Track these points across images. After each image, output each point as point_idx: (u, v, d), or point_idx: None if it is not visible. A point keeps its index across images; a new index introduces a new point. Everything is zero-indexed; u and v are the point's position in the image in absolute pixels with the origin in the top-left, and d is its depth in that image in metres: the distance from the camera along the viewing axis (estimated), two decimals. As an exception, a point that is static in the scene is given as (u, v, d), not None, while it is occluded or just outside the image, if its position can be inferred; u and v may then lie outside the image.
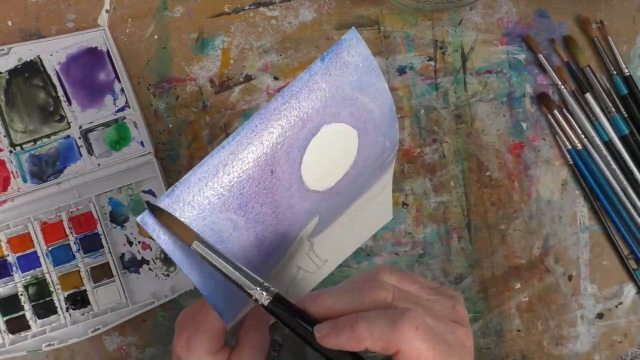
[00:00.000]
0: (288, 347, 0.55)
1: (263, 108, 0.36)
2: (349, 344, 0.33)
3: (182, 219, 0.34)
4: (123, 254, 0.55)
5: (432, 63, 0.55)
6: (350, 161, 0.41)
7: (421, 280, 0.41)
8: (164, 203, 0.34)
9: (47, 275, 0.54)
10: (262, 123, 0.35)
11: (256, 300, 0.35)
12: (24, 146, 0.53)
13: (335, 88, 0.38)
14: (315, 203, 0.41)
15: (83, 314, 0.55)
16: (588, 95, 0.54)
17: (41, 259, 0.54)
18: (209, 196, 0.35)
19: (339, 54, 0.38)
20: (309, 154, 0.38)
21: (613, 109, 0.54)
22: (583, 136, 0.54)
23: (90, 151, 0.54)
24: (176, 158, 0.55)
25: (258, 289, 0.35)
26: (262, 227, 0.39)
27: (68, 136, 0.53)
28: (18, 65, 0.53)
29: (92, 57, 0.53)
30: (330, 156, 0.40)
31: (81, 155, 0.54)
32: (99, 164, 0.54)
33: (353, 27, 0.39)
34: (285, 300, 0.35)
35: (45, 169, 0.54)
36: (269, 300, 0.35)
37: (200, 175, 0.34)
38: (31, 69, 0.53)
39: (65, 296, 0.54)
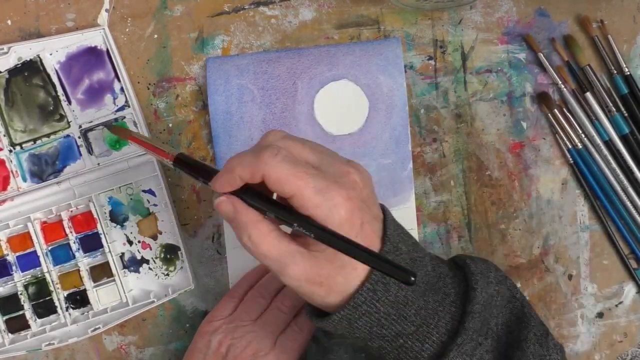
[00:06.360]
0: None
1: (313, 46, 0.54)
2: (227, 178, 0.38)
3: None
4: (123, 254, 0.55)
5: (432, 62, 0.55)
6: (358, 126, 0.54)
7: (318, 147, 0.40)
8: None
9: (46, 275, 0.54)
10: (306, 51, 0.53)
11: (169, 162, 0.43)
12: (23, 145, 0.53)
13: (365, 60, 0.53)
14: (318, 139, 0.51)
15: (83, 314, 0.55)
16: (588, 95, 0.54)
17: (41, 259, 0.54)
18: (249, 65, 0.53)
19: (379, 44, 0.54)
20: (325, 91, 0.53)
21: (613, 108, 0.54)
22: (583, 135, 0.54)
23: (90, 150, 0.54)
24: (176, 157, 0.55)
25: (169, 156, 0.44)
26: (270, 116, 0.53)
27: (68, 135, 0.53)
28: (18, 64, 0.53)
29: (91, 57, 0.53)
30: (341, 106, 0.53)
31: (81, 154, 0.53)
32: (98, 164, 0.54)
33: (398, 37, 0.54)
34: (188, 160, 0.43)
35: (45, 168, 0.54)
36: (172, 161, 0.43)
37: (254, 56, 0.53)
38: (31, 68, 0.53)
39: (65, 295, 0.54)
